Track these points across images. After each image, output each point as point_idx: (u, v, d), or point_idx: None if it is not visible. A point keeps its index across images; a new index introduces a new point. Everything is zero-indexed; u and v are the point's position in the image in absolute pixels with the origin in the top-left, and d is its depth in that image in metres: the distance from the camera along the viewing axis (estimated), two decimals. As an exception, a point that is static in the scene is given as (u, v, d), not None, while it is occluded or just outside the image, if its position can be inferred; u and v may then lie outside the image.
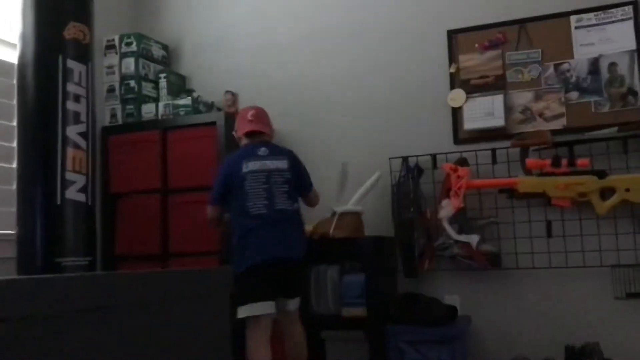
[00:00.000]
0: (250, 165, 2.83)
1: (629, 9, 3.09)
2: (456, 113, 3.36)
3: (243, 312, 2.68)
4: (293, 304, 2.85)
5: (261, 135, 2.99)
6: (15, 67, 2.78)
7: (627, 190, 2.87)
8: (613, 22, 3.12)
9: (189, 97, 3.61)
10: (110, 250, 3.58)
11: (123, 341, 0.99)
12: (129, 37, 3.75)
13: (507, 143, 3.16)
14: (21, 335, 0.83)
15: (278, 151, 2.95)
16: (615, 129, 2.98)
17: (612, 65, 3.10)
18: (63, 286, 0.89)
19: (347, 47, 3.66)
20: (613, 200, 2.91)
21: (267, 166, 2.84)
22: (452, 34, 3.41)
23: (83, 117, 2.74)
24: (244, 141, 3.00)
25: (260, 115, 3.04)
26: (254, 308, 2.68)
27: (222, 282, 1.21)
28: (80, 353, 0.92)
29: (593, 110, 3.12)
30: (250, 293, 2.68)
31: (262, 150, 2.89)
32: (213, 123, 3.45)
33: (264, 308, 2.69)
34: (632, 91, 3.06)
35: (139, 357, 1.02)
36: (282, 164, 2.89)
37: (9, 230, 2.87)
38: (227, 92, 3.76)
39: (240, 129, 3.03)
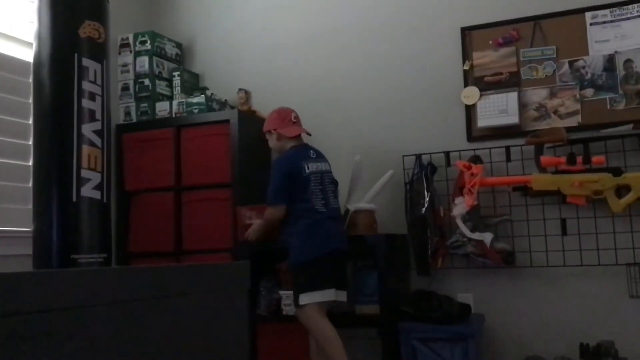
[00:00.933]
0: (310, 167, 2.99)
1: (645, 5, 3.06)
2: (470, 110, 3.35)
3: (307, 298, 2.83)
4: (344, 295, 2.98)
5: (300, 138, 3.14)
6: (31, 66, 2.81)
7: (643, 188, 2.84)
8: (629, 18, 3.09)
9: (203, 95, 3.63)
10: (124, 248, 3.61)
11: (140, 335, 1.00)
12: (143, 35, 3.77)
13: (521, 140, 3.15)
14: (40, 328, 0.84)
15: (321, 154, 3.13)
16: (631, 126, 2.96)
17: (628, 62, 3.07)
18: (81, 280, 0.90)
19: (360, 44, 3.65)
20: (629, 198, 2.88)
21: (319, 168, 3.03)
22: (465, 31, 3.40)
23: (98, 115, 2.76)
24: (291, 142, 3.08)
25: (298, 117, 3.18)
26: (319, 295, 2.83)
27: (240, 276, 1.21)
28: (98, 346, 0.92)
29: (608, 107, 3.10)
30: (317, 281, 2.85)
31: (312, 153, 3.07)
32: (226, 121, 3.47)
33: (329, 295, 2.86)
34: (648, 88, 3.03)
35: (156, 351, 1.03)
36: (327, 166, 3.10)
37: (25, 227, 2.90)
38: (240, 89, 3.77)
39: (286, 130, 3.09)
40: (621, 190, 2.92)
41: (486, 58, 3.33)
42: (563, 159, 2.98)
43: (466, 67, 3.38)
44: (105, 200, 2.75)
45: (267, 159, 3.63)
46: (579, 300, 3.09)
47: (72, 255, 2.59)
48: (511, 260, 3.12)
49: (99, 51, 2.81)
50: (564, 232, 3.08)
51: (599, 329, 2.98)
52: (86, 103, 2.71)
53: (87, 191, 2.66)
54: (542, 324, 3.14)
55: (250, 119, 3.61)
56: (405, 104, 3.52)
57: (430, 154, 3.34)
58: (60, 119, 2.68)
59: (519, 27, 3.28)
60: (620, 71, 3.08)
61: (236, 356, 1.20)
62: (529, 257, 3.16)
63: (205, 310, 1.13)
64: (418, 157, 3.33)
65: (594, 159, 2.93)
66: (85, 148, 2.67)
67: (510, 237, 3.18)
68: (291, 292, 2.98)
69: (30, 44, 2.89)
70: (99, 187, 2.71)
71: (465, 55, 3.39)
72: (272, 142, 3.16)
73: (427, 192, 3.23)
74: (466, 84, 3.36)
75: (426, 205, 3.21)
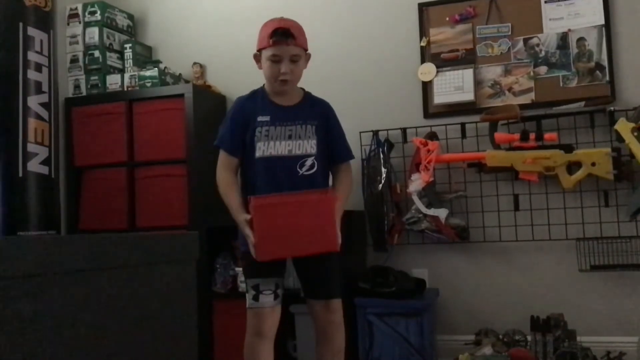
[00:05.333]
0: None
1: (598, -16, 3.10)
2: (426, 87, 3.35)
3: None
4: None
5: None
6: (-27, 35, 2.68)
7: (593, 164, 2.91)
8: (582, -4, 3.13)
9: (156, 69, 3.53)
10: (75, 225, 3.51)
11: (83, 306, 0.97)
12: (92, 5, 3.64)
13: (476, 117, 3.17)
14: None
15: None
16: (582, 103, 3.01)
17: (581, 40, 3.12)
18: (24, 249, 0.86)
19: (317, 20, 3.61)
20: (579, 174, 2.95)
21: None
22: (423, 7, 3.39)
23: (45, 87, 2.66)
24: None
25: None
26: None
27: (188, 247, 1.18)
28: (38, 317, 0.89)
29: (561, 84, 3.14)
30: None
31: None
32: (181, 95, 3.39)
33: None
34: (599, 66, 3.09)
35: (100, 322, 1.00)
36: None
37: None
38: (195, 63, 3.69)
39: None
40: (572, 167, 2.98)
41: (443, 35, 3.34)
42: (516, 136, 3.02)
43: (423, 44, 3.37)
44: (53, 176, 2.66)
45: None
46: (530, 275, 3.16)
47: (18, 232, 2.51)
48: (465, 236, 3.16)
49: (45, 20, 2.70)
50: (517, 208, 3.13)
51: (549, 302, 3.06)
52: (32, 74, 2.60)
53: (34, 166, 2.56)
54: (494, 298, 3.20)
55: (205, 94, 3.54)
56: (362, 80, 3.50)
57: (387, 130, 3.34)
58: (5, 90, 2.57)
59: (475, 3, 3.29)
60: (573, 49, 3.13)
61: (183, 328, 1.18)
62: (483, 233, 3.20)
63: (151, 281, 1.10)
64: (375, 133, 3.33)
65: (546, 135, 2.98)
66: (32, 121, 2.58)
67: (465, 212, 3.22)
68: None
69: (-29, 12, 2.75)
70: (46, 161, 2.62)
71: (422, 32, 3.39)
72: (304, 66, 2.29)
73: (384, 169, 3.23)
74: (423, 61, 3.37)
75: (383, 181, 3.22)
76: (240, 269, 3.15)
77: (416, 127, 3.30)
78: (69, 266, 0.92)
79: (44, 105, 2.64)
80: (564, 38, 3.14)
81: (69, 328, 0.94)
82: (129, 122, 3.47)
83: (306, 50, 2.26)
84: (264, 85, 2.32)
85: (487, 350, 2.85)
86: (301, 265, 2.26)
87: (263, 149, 2.16)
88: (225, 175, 2.20)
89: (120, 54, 3.71)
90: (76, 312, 0.95)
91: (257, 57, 2.27)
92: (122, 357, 1.03)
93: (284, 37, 2.16)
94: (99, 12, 3.62)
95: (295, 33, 2.18)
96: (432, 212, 3.12)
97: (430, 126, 3.27)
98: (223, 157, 2.24)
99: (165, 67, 3.60)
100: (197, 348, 1.28)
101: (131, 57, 3.67)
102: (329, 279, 2.24)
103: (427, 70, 3.34)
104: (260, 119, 2.19)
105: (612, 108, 2.98)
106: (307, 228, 2.01)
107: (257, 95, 2.29)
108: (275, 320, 2.20)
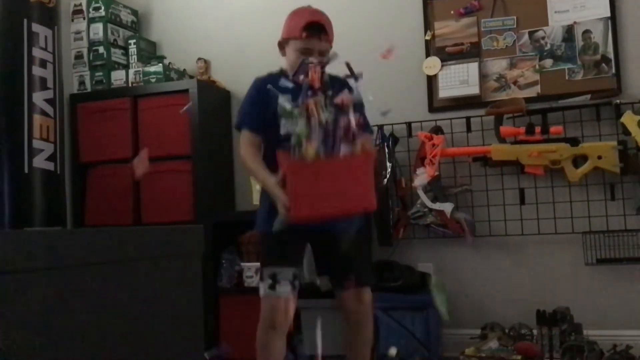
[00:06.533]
0: None
1: (603, -24, 3.08)
2: (431, 81, 3.34)
3: None
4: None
5: None
6: (-23, 31, 2.69)
7: (599, 157, 2.90)
8: (588, -11, 3.11)
9: (160, 64, 3.54)
10: (81, 221, 3.53)
11: (91, 299, 0.97)
12: (97, 1, 3.64)
13: (481, 111, 3.16)
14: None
15: None
16: (588, 96, 3.00)
17: (586, 33, 3.10)
18: (30, 242, 0.87)
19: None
20: (585, 167, 2.93)
21: None
22: (427, 1, 3.37)
23: (50, 84, 2.67)
24: None
25: None
26: None
27: (193, 241, 1.18)
28: (46, 311, 0.90)
29: (567, 77, 3.13)
30: None
31: None
32: (185, 91, 3.39)
33: None
34: (605, 59, 3.07)
35: (106, 316, 1.00)
36: None
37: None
38: (199, 59, 3.69)
39: None
40: (578, 160, 2.96)
41: (447, 28, 3.32)
42: (522, 130, 3.00)
43: (428, 37, 3.36)
44: (58, 172, 2.67)
45: (227, 130, 3.57)
46: (536, 268, 3.15)
47: (24, 228, 2.52)
48: (471, 230, 3.15)
49: (49, 16, 2.71)
50: (522, 202, 3.12)
51: (555, 295, 3.05)
52: (37, 70, 2.61)
53: (40, 162, 2.57)
54: (500, 292, 3.19)
55: (209, 89, 3.54)
56: (367, 74, 3.47)
57: (392, 124, 3.33)
58: (10, 86, 2.59)
59: (480, -4, 3.28)
60: (579, 42, 3.11)
61: (189, 323, 1.18)
62: (488, 227, 3.20)
63: (157, 275, 1.10)
64: (380, 127, 3.32)
65: (552, 129, 2.97)
66: (37, 117, 2.59)
67: (470, 206, 3.21)
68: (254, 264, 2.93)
69: (-25, 9, 2.75)
70: (52, 158, 2.63)
71: (427, 25, 3.37)
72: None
73: (389, 163, 3.23)
74: (428, 54, 3.35)
75: (388, 176, 3.22)
76: (246, 264, 3.17)
77: (421, 122, 3.29)
78: (76, 260, 0.93)
79: (49, 101, 2.65)
80: (569, 31, 3.12)
81: (76, 321, 0.94)
82: (134, 118, 3.48)
83: (331, 46, 2.28)
84: (281, 68, 2.27)
85: (493, 344, 2.85)
86: (324, 253, 2.18)
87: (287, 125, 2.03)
88: (250, 150, 2.13)
89: (125, 50, 3.72)
90: (83, 305, 0.95)
91: (282, 45, 2.26)
92: (127, 351, 1.04)
93: (317, 32, 2.17)
94: (103, 8, 3.63)
95: (327, 29, 2.21)
96: (437, 206, 3.11)
97: (435, 120, 3.26)
98: (246, 136, 2.16)
99: (169, 63, 3.60)
100: (203, 343, 1.28)
101: (135, 52, 3.68)
102: (356, 265, 2.18)
103: (432, 64, 3.33)
104: (282, 97, 2.06)
105: (618, 101, 2.96)
106: (343, 186, 1.94)
107: (275, 76, 2.21)
108: (290, 313, 2.11)
